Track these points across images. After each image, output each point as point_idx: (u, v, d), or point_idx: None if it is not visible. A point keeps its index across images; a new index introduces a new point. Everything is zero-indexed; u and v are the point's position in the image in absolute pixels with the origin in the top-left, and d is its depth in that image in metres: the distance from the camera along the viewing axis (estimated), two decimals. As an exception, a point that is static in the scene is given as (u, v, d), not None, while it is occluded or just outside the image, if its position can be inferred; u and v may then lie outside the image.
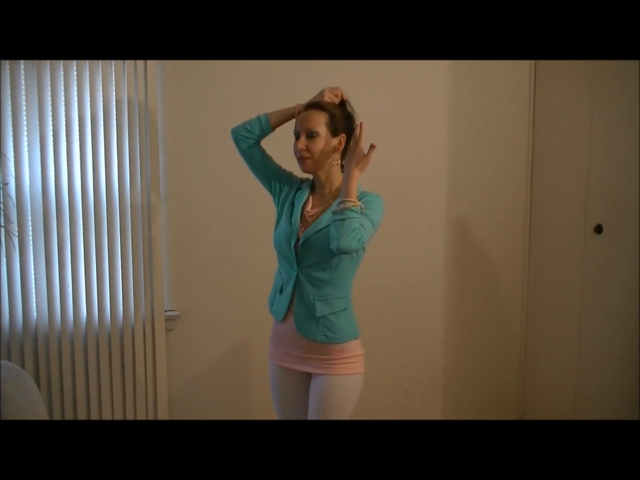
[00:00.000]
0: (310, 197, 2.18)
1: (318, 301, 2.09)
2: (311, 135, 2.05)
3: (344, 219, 1.93)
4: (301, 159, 2.08)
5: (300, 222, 2.13)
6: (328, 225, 2.02)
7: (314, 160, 2.08)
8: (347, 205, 1.94)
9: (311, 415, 2.14)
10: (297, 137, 2.09)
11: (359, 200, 2.06)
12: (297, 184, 2.24)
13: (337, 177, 2.15)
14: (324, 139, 2.07)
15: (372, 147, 1.94)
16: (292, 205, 2.18)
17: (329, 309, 2.10)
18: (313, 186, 2.21)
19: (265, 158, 2.26)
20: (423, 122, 3.31)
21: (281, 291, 2.18)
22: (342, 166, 2.17)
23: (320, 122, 2.06)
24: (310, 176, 2.21)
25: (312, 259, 2.07)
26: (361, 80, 3.13)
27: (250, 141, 2.24)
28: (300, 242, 2.08)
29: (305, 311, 2.11)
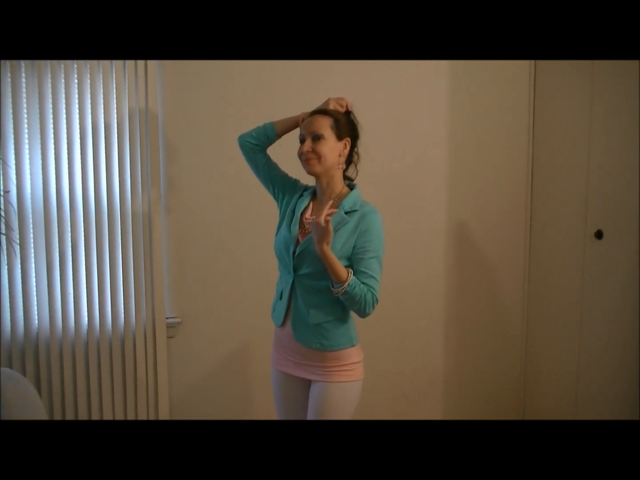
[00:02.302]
0: (311, 204, 2.19)
1: (312, 309, 2.09)
2: (316, 138, 2.07)
3: (347, 299, 2.00)
4: (306, 161, 2.08)
5: (299, 228, 2.14)
6: None
7: (319, 162, 2.08)
8: (342, 288, 1.97)
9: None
10: (302, 140, 2.11)
11: (358, 210, 2.09)
12: (300, 191, 2.26)
13: (338, 184, 2.16)
14: (329, 142, 2.08)
15: (326, 222, 1.91)
16: (293, 211, 2.20)
17: (324, 317, 2.10)
18: (315, 193, 2.23)
19: (269, 165, 2.29)
20: (423, 124, 3.32)
21: (281, 297, 2.20)
22: (344, 173, 2.21)
23: (325, 126, 2.08)
24: (313, 182, 2.22)
25: (308, 268, 2.07)
26: (361, 81, 3.15)
27: (255, 148, 2.27)
28: (297, 251, 2.09)
29: (301, 318, 2.11)
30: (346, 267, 2.03)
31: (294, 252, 2.11)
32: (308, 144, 2.08)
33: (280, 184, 2.28)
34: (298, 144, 2.13)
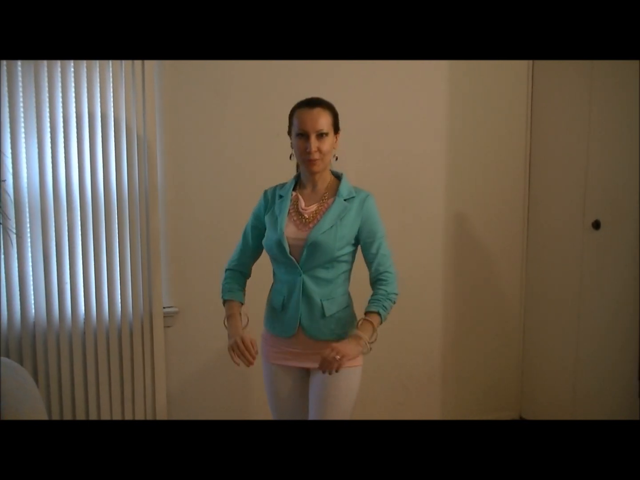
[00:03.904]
0: (299, 196, 2.16)
1: (325, 301, 2.10)
2: (321, 136, 2.03)
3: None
4: (312, 161, 2.04)
5: (298, 220, 2.12)
6: (332, 226, 2.05)
7: (322, 161, 2.06)
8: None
9: (314, 410, 2.13)
10: (304, 137, 2.03)
11: (355, 196, 2.11)
12: (271, 199, 2.19)
13: (328, 175, 2.17)
14: (330, 138, 2.06)
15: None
16: (275, 215, 2.14)
17: (336, 307, 2.12)
18: (297, 185, 2.19)
19: (255, 246, 2.23)
20: (422, 118, 3.32)
21: (282, 307, 2.15)
22: None
23: (328, 122, 2.05)
24: (282, 179, 2.22)
25: (318, 259, 2.07)
26: (361, 78, 3.14)
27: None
28: (307, 244, 2.06)
29: (314, 313, 2.10)
30: (352, 247, 2.11)
31: (293, 250, 2.08)
32: (315, 142, 2.02)
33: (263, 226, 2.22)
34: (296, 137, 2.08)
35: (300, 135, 2.04)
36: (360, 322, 2.08)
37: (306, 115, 2.04)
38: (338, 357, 1.90)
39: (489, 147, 3.47)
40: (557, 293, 3.37)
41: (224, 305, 2.21)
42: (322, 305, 2.09)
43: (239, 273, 2.25)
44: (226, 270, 2.26)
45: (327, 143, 2.04)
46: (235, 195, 3.02)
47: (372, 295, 2.11)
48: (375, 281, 2.13)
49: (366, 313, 2.08)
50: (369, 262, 2.13)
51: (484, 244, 3.53)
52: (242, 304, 2.23)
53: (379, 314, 2.07)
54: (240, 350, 2.03)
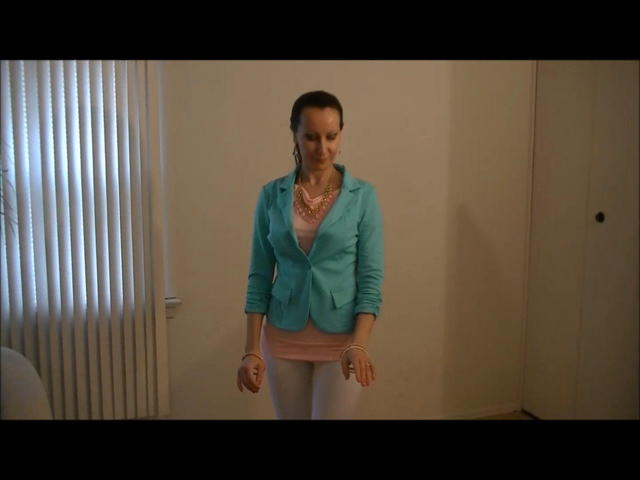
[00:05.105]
0: (302, 188, 2.15)
1: (335, 293, 2.10)
2: (330, 136, 2.02)
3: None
4: (321, 161, 2.04)
5: (304, 212, 2.11)
6: (341, 217, 2.05)
7: (331, 159, 2.07)
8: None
9: (321, 404, 2.13)
10: (315, 138, 2.01)
11: (360, 187, 2.12)
12: (272, 193, 2.17)
13: (331, 168, 2.16)
14: (339, 136, 2.06)
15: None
16: (278, 208, 2.13)
17: (345, 299, 2.12)
18: (298, 178, 2.18)
19: (269, 244, 2.19)
20: (425, 113, 3.32)
21: (290, 300, 2.14)
22: None
23: (337, 121, 2.04)
24: (277, 173, 2.22)
25: (329, 251, 2.06)
26: (365, 74, 3.14)
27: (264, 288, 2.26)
28: (317, 236, 2.05)
29: (324, 306, 2.10)
30: (357, 237, 2.10)
31: (302, 243, 2.07)
32: (325, 143, 2.01)
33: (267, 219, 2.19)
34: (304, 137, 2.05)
35: (310, 136, 2.02)
36: (356, 332, 2.05)
37: (317, 116, 2.00)
38: (369, 364, 1.88)
39: (493, 141, 3.46)
40: (559, 286, 3.37)
41: (246, 313, 2.25)
42: (332, 297, 2.09)
43: (260, 277, 2.24)
44: (248, 277, 2.27)
45: (336, 142, 2.04)
46: (237, 187, 3.02)
47: (364, 293, 2.10)
48: (366, 276, 2.12)
49: (360, 314, 2.07)
50: (362, 255, 2.12)
51: (487, 237, 3.53)
52: (264, 314, 2.25)
53: (374, 316, 2.09)
54: (243, 380, 2.07)
